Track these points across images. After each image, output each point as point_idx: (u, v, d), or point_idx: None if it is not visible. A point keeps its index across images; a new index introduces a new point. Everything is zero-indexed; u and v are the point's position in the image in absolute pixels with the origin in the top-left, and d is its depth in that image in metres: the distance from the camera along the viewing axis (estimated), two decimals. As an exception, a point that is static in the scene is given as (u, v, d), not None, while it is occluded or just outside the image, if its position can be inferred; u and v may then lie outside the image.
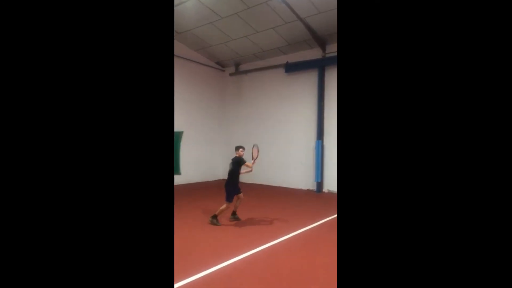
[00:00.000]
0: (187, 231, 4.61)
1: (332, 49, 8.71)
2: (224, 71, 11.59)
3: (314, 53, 9.07)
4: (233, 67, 11.26)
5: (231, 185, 4.98)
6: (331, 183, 8.75)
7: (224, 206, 4.95)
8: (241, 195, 5.13)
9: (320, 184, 8.86)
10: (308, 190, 9.15)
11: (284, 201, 7.44)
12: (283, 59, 9.77)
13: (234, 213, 5.26)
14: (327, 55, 8.80)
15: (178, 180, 9.53)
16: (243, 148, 5.15)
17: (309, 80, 9.27)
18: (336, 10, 7.15)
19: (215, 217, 4.97)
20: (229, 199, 4.95)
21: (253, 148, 5.31)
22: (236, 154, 5.08)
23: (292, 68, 9.46)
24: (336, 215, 5.89)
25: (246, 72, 10.84)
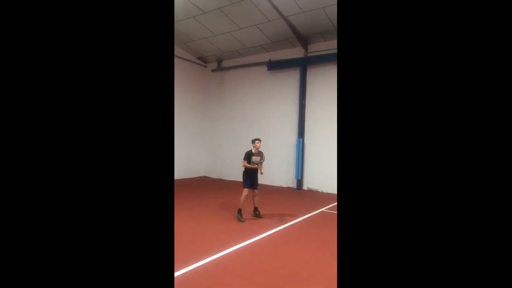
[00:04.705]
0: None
1: (314, 48, 8.83)
2: (206, 67, 11.44)
3: (297, 52, 9.14)
4: (216, 63, 11.14)
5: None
6: (311, 181, 8.90)
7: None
8: (256, 191, 5.34)
9: (300, 182, 8.98)
10: (288, 187, 9.24)
11: (266, 198, 7.47)
12: (265, 56, 9.78)
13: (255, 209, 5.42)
14: (309, 54, 8.91)
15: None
16: (259, 140, 5.39)
17: (291, 78, 9.34)
18: (319, 10, 7.27)
19: (239, 211, 5.10)
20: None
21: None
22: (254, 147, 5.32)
23: (274, 66, 9.49)
24: (315, 212, 6.02)
25: (229, 68, 10.76)
